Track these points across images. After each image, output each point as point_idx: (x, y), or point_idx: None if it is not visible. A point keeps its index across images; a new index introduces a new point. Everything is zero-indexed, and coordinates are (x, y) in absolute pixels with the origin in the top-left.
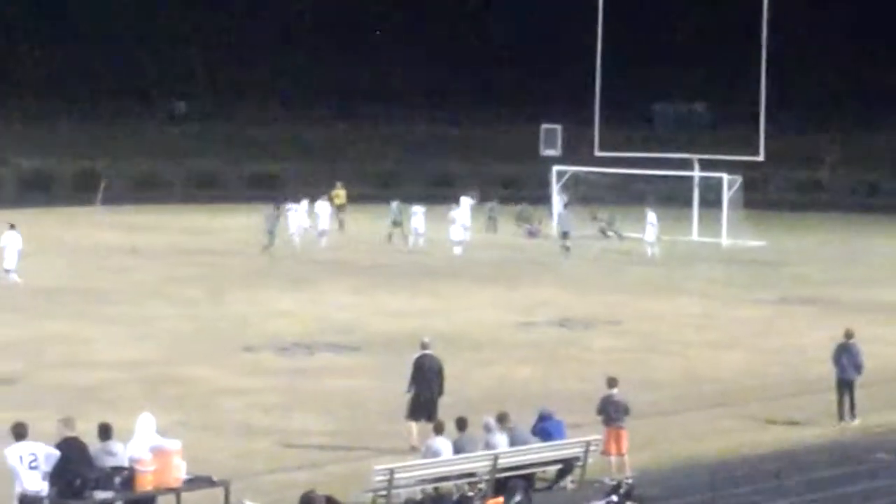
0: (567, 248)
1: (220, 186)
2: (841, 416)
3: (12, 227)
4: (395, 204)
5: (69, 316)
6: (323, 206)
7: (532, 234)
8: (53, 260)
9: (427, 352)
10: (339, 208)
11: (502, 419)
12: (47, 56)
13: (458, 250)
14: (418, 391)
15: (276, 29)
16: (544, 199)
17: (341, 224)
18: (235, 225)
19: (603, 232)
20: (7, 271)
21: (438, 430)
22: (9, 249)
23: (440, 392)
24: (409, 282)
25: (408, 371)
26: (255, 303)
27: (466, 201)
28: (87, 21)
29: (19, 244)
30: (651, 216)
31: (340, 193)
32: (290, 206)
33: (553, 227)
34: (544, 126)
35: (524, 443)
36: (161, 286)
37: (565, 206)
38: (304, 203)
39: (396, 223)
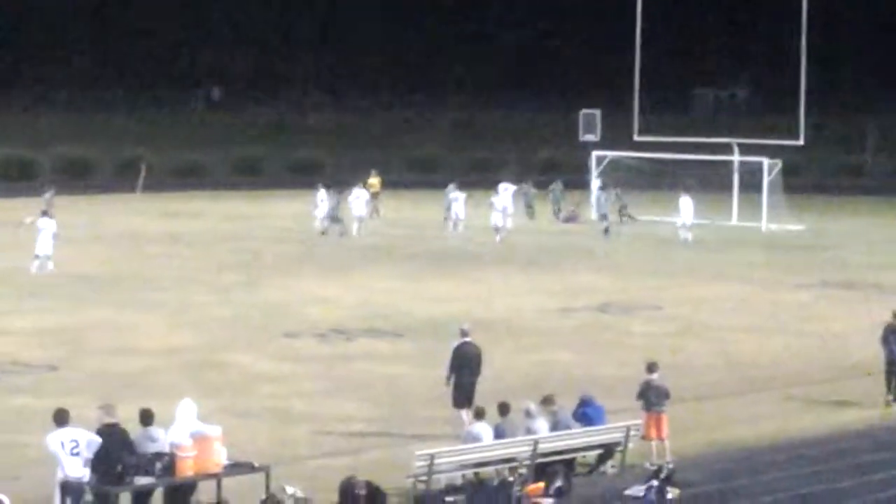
0: (607, 231)
1: (262, 173)
2: (895, 397)
3: (45, 212)
4: (451, 188)
5: (110, 303)
6: (360, 193)
7: (570, 219)
8: (94, 247)
9: (467, 339)
10: (374, 196)
11: (547, 402)
12: (89, 46)
13: (498, 237)
14: (459, 379)
15: (318, 17)
16: (583, 184)
17: (376, 211)
18: (276, 212)
19: (620, 214)
20: (37, 256)
21: (479, 415)
22: (43, 235)
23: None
24: (449, 268)
25: (447, 358)
26: (295, 289)
27: (505, 187)
28: (130, 10)
29: (54, 229)
30: (685, 201)
31: (375, 181)
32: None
33: (592, 212)
34: (583, 111)
35: (565, 428)
36: (202, 273)
37: (601, 188)
38: (349, 190)
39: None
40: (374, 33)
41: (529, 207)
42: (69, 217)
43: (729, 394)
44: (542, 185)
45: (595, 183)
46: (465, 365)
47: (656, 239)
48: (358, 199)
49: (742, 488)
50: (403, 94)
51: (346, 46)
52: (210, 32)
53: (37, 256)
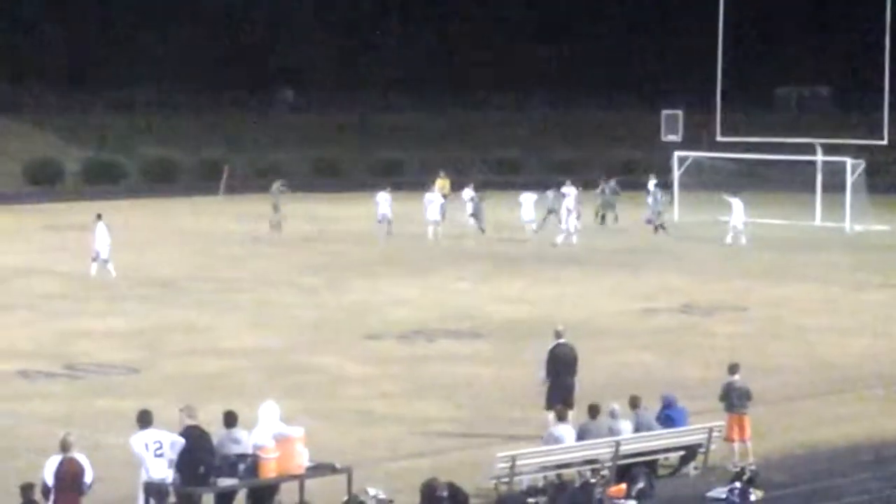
0: (663, 227)
1: (343, 174)
2: None
3: (99, 217)
4: (550, 192)
5: (192, 305)
6: (433, 198)
7: (650, 221)
8: (176, 249)
9: (561, 341)
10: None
11: (634, 403)
12: (172, 48)
13: (571, 239)
14: (555, 381)
15: (397, 18)
16: (667, 185)
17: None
18: (356, 213)
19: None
20: (94, 259)
21: (561, 416)
22: (100, 239)
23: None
24: (528, 269)
25: (539, 360)
26: (376, 291)
27: (571, 190)
28: (213, 12)
29: (107, 234)
30: (735, 203)
31: (444, 183)
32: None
33: (675, 212)
34: (665, 112)
35: (649, 429)
36: (283, 274)
37: (656, 185)
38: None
39: (552, 210)
40: (455, 32)
41: (604, 205)
42: (152, 220)
43: (812, 395)
44: (622, 186)
45: (651, 182)
46: (563, 366)
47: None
48: (432, 203)
49: (826, 490)
50: (484, 94)
51: (428, 45)
52: (291, 33)
53: (93, 259)
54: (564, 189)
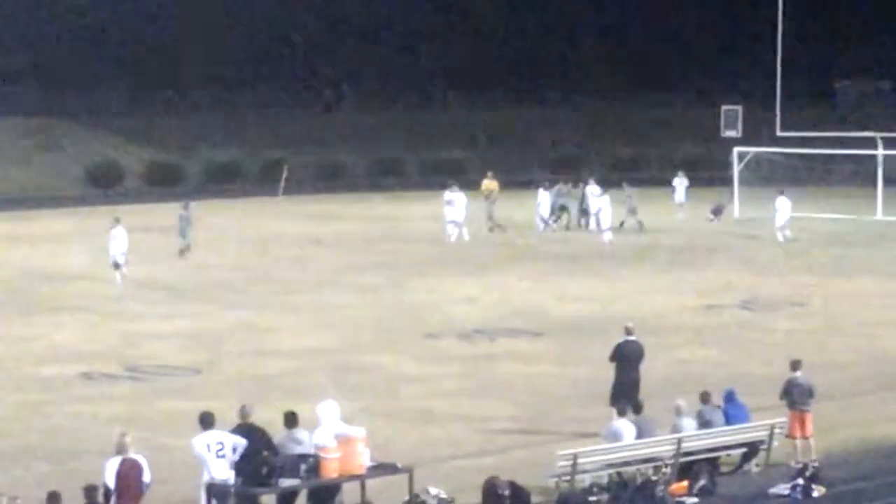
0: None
1: (402, 174)
2: None
3: (117, 220)
4: (627, 188)
5: (252, 305)
6: (455, 196)
7: (717, 211)
8: (235, 250)
9: (630, 337)
10: (488, 199)
11: (705, 398)
12: (232, 49)
13: (607, 236)
14: (621, 377)
15: (454, 12)
16: (727, 181)
17: (490, 217)
18: (416, 212)
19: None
20: (113, 264)
21: (621, 412)
22: (116, 243)
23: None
24: (588, 267)
25: (606, 356)
26: (435, 289)
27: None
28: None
29: (125, 239)
30: (781, 201)
31: (491, 184)
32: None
33: (735, 208)
34: (725, 107)
35: (715, 425)
36: (343, 274)
37: (620, 186)
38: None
39: (632, 211)
40: (513, 29)
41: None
42: (213, 220)
43: (875, 390)
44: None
45: (735, 180)
46: (629, 363)
47: (800, 235)
48: (451, 202)
49: (889, 486)
50: (542, 91)
51: (483, 42)
52: (347, 31)
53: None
54: (589, 188)
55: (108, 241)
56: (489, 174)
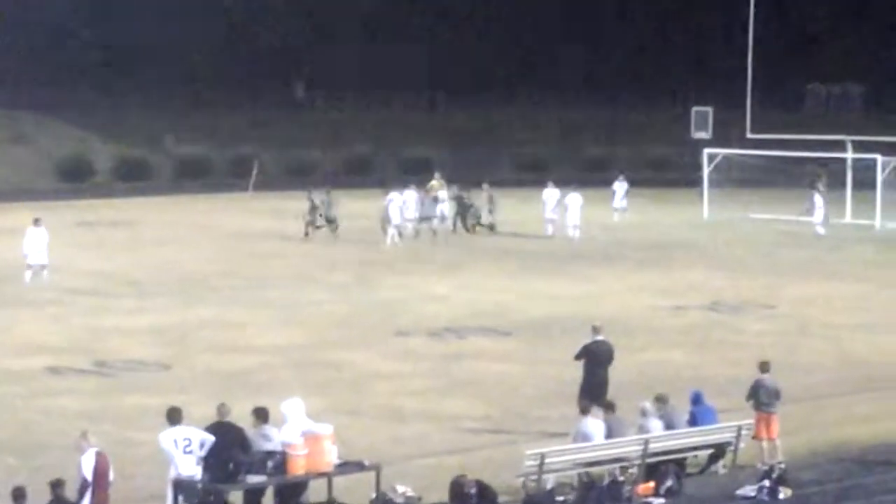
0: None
1: (373, 171)
2: None
3: (37, 221)
4: (486, 189)
5: (220, 301)
6: (395, 196)
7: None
8: (204, 246)
9: (599, 337)
10: (433, 199)
11: (661, 400)
12: (205, 45)
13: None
14: (589, 377)
15: (427, 12)
16: (696, 182)
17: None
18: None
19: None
20: (29, 266)
21: (584, 410)
22: (33, 245)
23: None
24: (559, 267)
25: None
26: (405, 287)
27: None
28: (245, 9)
29: (46, 239)
30: (817, 198)
31: (437, 185)
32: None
33: (704, 210)
34: (695, 108)
35: (677, 427)
36: (312, 271)
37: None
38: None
39: (490, 211)
40: (484, 30)
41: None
42: (182, 216)
43: (843, 393)
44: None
45: (705, 181)
46: (598, 362)
47: (769, 237)
48: (392, 202)
49: (855, 488)
50: (513, 91)
51: (456, 43)
52: (317, 30)
53: (29, 266)
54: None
55: (24, 240)
56: (437, 175)
